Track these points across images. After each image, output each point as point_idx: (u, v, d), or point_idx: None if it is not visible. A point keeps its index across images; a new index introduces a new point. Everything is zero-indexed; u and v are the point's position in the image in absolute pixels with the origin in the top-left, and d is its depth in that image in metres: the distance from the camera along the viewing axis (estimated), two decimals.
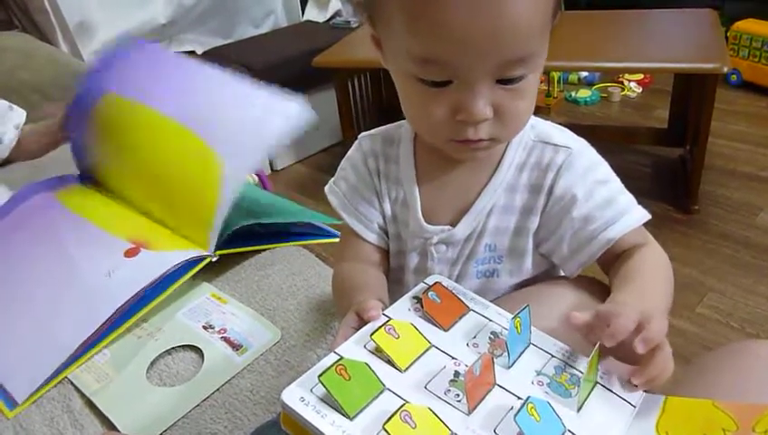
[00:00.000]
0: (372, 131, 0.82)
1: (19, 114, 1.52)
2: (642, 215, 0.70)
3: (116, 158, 1.34)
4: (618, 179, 0.72)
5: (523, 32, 0.56)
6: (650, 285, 0.64)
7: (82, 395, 0.93)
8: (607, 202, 0.69)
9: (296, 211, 1.32)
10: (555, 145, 0.71)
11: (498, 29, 0.54)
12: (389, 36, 0.62)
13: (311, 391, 0.52)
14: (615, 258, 0.70)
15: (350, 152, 0.83)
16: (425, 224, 0.74)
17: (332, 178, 0.84)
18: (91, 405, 0.92)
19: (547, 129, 0.73)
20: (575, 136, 0.74)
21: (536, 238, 0.73)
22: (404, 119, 0.72)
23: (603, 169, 0.72)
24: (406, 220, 0.77)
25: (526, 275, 0.76)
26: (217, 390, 0.92)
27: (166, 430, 0.87)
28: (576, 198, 0.69)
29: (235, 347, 0.98)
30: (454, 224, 0.74)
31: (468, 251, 0.75)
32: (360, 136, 0.82)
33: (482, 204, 0.72)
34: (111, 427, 0.88)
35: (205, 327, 1.03)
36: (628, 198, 0.71)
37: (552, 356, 0.59)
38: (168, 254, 1.10)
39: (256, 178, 2.03)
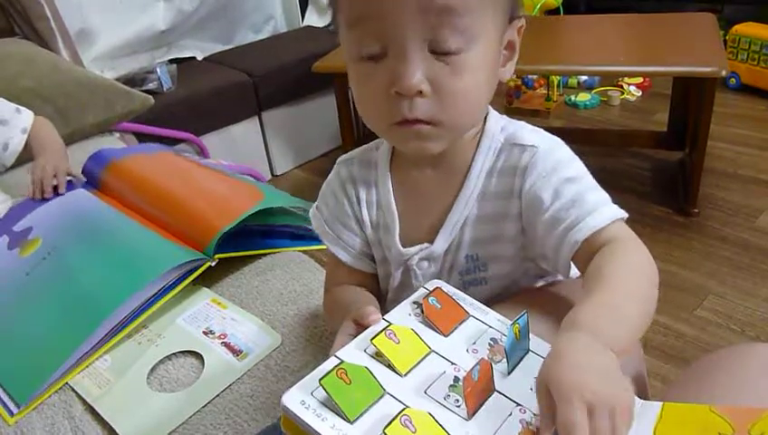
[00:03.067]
0: (349, 155, 0.81)
1: (26, 117, 1.51)
2: (613, 213, 0.65)
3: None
4: (589, 177, 0.68)
5: None
6: (620, 297, 0.58)
7: (83, 401, 0.93)
8: (573, 201, 0.65)
9: (294, 217, 1.33)
10: (522, 145, 0.69)
11: None
12: (337, 21, 0.64)
13: (311, 394, 0.52)
14: (590, 258, 0.63)
15: (329, 177, 0.82)
16: (402, 249, 0.74)
17: (315, 203, 0.84)
18: (91, 411, 0.92)
19: (517, 130, 0.71)
20: (547, 135, 0.71)
21: (521, 244, 0.72)
22: None
23: (572, 167, 0.68)
24: (389, 244, 0.76)
25: (515, 279, 0.75)
26: (218, 395, 0.92)
27: None
28: (542, 200, 0.66)
29: (236, 352, 0.99)
30: (432, 240, 0.73)
31: (449, 264, 0.74)
32: (338, 160, 0.81)
33: (455, 217, 0.72)
34: (113, 433, 0.88)
35: (205, 333, 1.03)
36: (597, 196, 0.66)
37: None
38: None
39: (252, 180, 2.03)
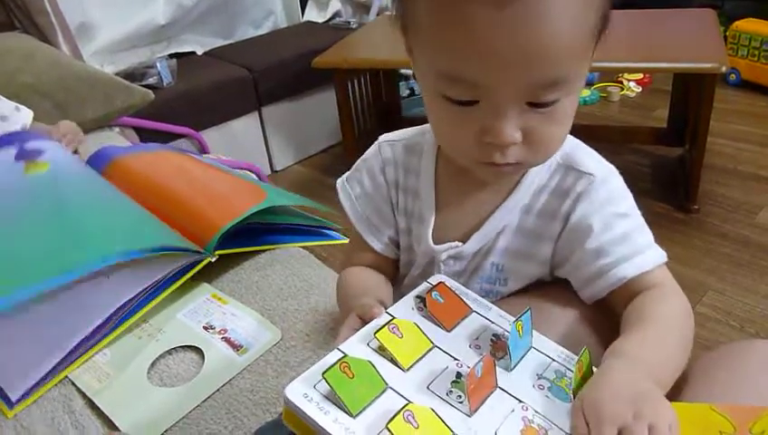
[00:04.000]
0: (394, 136, 0.78)
1: (25, 115, 1.52)
2: (659, 256, 0.66)
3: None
4: (639, 214, 0.68)
5: (558, 54, 0.52)
6: (659, 346, 0.59)
7: (83, 395, 0.93)
8: (622, 238, 0.65)
9: (296, 216, 1.33)
10: (578, 171, 0.67)
11: (531, 49, 0.51)
12: (419, 48, 0.59)
13: (314, 387, 0.52)
14: (628, 299, 0.65)
15: (368, 155, 0.79)
16: (433, 245, 0.73)
17: (346, 174, 0.81)
18: (91, 405, 0.92)
19: (575, 151, 0.69)
20: (604, 162, 0.69)
21: (553, 262, 0.71)
22: (403, 120, 0.71)
23: (625, 202, 0.68)
24: (419, 234, 0.75)
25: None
26: (218, 390, 0.92)
27: (167, 431, 0.87)
28: (591, 229, 0.66)
29: (236, 347, 0.99)
30: (464, 240, 0.72)
31: (474, 267, 0.73)
32: (380, 139, 0.79)
33: (494, 223, 0.70)
34: (113, 427, 0.88)
35: (205, 328, 1.03)
36: (646, 237, 0.67)
37: (553, 360, 0.59)
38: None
39: (255, 179, 2.03)
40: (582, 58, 0.56)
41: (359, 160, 0.80)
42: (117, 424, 0.88)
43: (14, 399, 0.92)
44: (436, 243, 0.73)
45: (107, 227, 1.11)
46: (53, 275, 0.98)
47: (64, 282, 0.98)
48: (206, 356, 0.98)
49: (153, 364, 0.98)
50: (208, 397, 0.91)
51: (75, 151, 1.50)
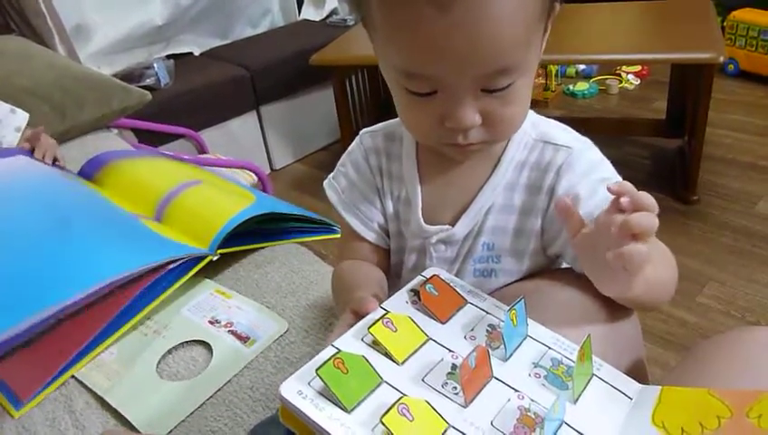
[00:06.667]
0: (373, 128, 0.81)
1: (21, 117, 1.53)
2: None
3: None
4: (619, 178, 0.70)
5: (503, 45, 0.55)
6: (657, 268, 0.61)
7: (84, 395, 0.94)
8: (608, 199, 0.67)
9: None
10: (556, 145, 0.70)
11: (476, 46, 0.54)
12: (378, 46, 0.63)
13: (309, 384, 0.52)
14: None
15: (350, 148, 0.82)
16: (424, 225, 0.74)
17: (331, 174, 0.84)
18: (92, 406, 0.92)
19: (549, 128, 0.73)
20: (578, 135, 0.72)
21: (544, 241, 0.73)
22: None
23: (605, 167, 0.71)
24: (408, 218, 0.76)
25: (522, 276, 0.76)
26: (228, 382, 0.93)
27: (171, 431, 0.87)
28: (579, 197, 0.68)
29: (243, 339, 0.99)
30: (453, 223, 0.73)
31: (466, 250, 0.74)
32: (361, 132, 0.82)
33: (480, 203, 0.72)
34: (125, 423, 0.88)
35: (211, 322, 1.03)
36: None
37: (549, 348, 0.59)
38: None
39: (255, 178, 2.03)
40: (529, 45, 0.59)
41: (342, 156, 0.83)
42: (129, 419, 0.88)
43: (25, 400, 0.93)
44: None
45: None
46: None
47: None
48: (214, 349, 0.98)
49: (162, 359, 0.98)
50: (218, 390, 0.92)
51: (55, 161, 1.48)
